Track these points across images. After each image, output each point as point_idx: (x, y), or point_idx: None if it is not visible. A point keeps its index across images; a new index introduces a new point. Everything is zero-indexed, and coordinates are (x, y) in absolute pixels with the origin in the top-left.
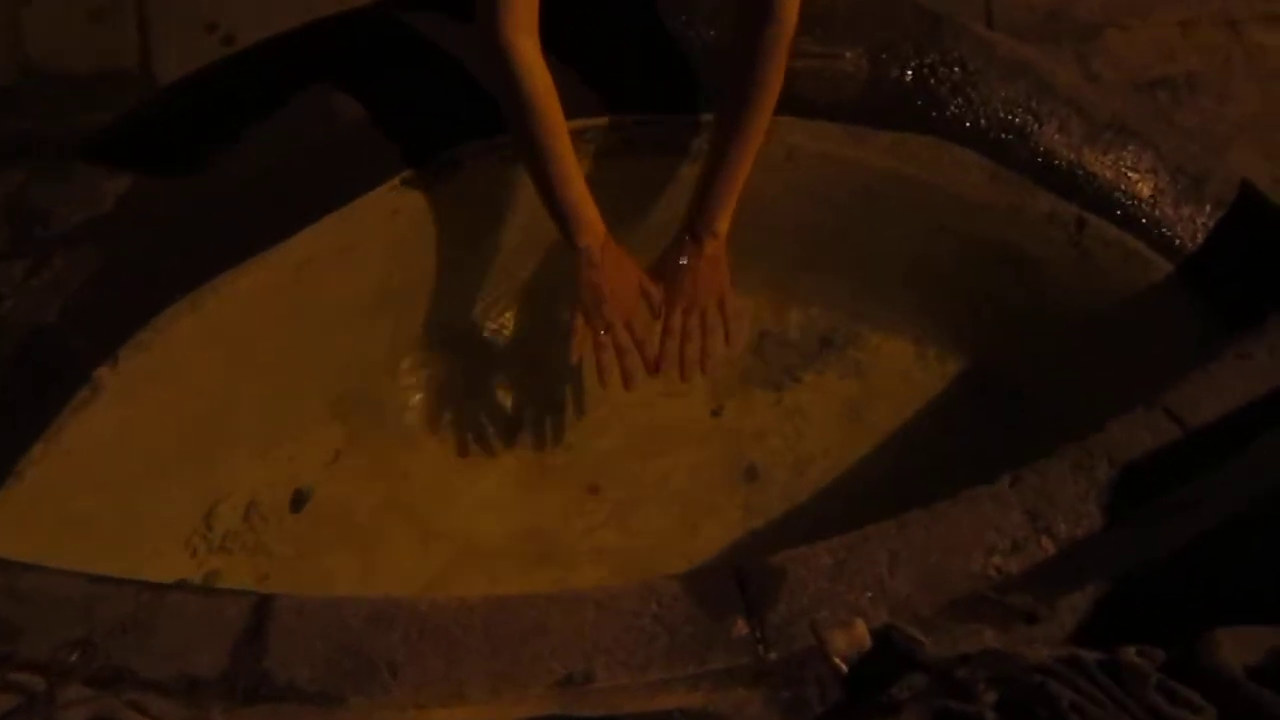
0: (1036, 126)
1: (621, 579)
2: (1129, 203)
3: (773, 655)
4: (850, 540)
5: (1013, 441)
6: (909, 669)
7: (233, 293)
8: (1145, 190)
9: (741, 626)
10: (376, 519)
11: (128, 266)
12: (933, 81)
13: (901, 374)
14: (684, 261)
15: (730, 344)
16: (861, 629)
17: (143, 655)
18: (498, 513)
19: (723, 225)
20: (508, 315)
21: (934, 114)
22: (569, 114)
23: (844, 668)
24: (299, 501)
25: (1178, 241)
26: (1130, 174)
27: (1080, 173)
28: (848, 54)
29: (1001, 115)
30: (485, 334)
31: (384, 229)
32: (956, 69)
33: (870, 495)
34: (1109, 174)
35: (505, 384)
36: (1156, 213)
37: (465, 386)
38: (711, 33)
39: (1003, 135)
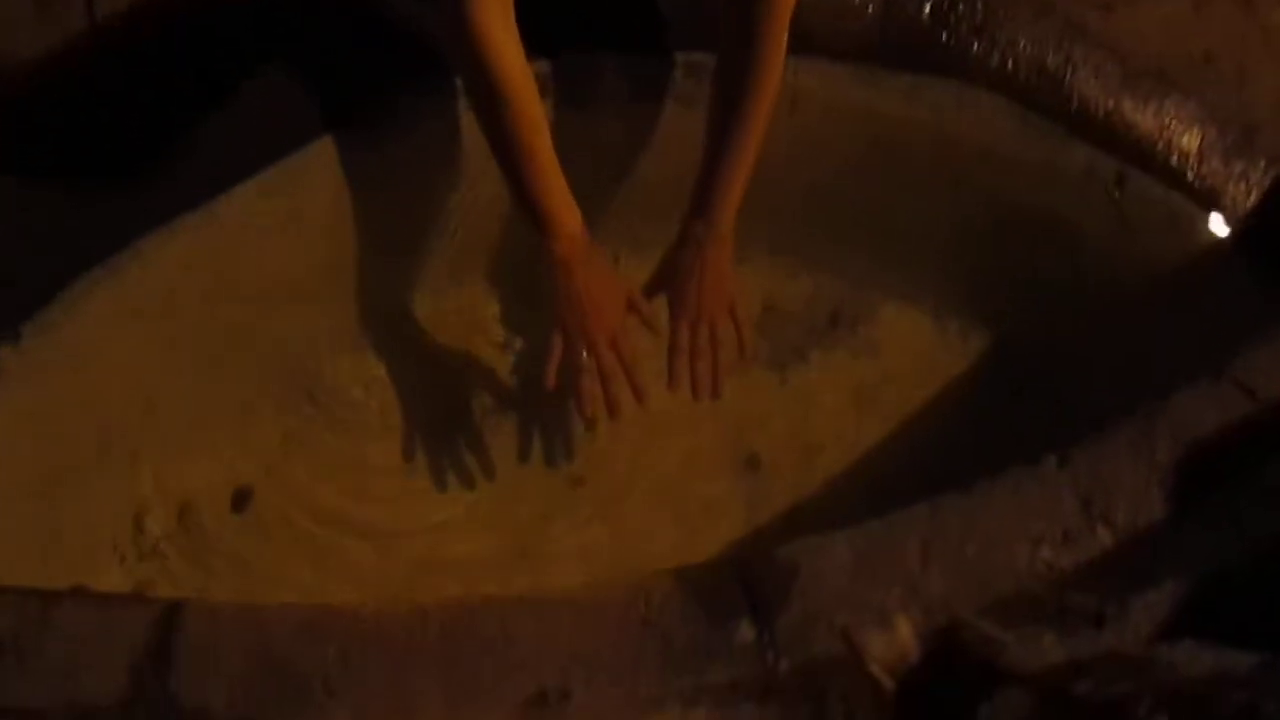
0: (1069, 71)
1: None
2: (1174, 157)
3: (784, 665)
4: (873, 530)
5: (1045, 428)
6: (993, 681)
7: (156, 262)
8: (1191, 143)
9: (747, 631)
10: (330, 520)
11: (31, 231)
12: (953, 18)
13: (919, 352)
14: (687, 269)
15: (745, 356)
16: (905, 630)
17: (23, 680)
18: (467, 510)
19: (727, 225)
20: (473, 290)
21: (955, 54)
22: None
23: (888, 681)
24: (241, 501)
25: (1229, 200)
26: (1174, 125)
27: (1119, 123)
28: None
29: (1031, 57)
30: (447, 312)
31: (327, 190)
32: (979, 4)
33: (886, 487)
34: (1150, 125)
35: (472, 366)
36: (1204, 168)
37: (425, 370)
38: None
39: (1032, 79)
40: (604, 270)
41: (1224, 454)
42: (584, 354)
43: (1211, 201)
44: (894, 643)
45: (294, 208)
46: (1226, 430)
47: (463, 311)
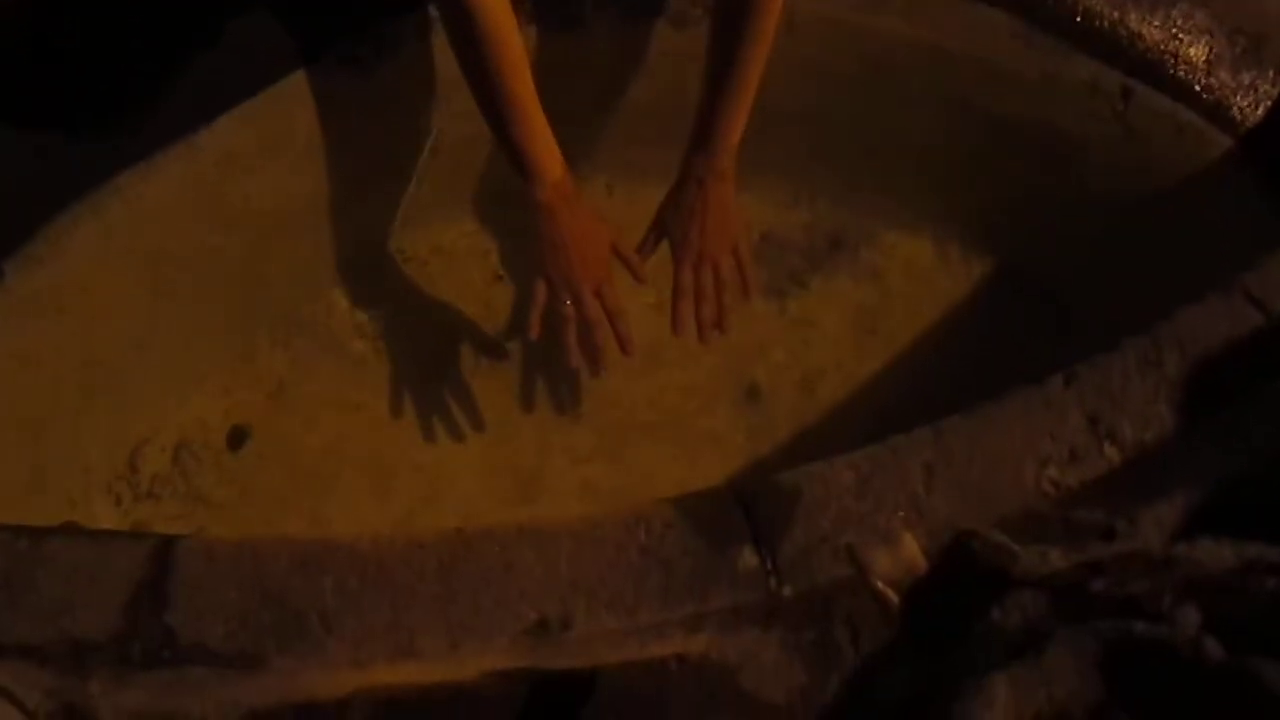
0: None
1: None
2: (1181, 69)
3: (788, 590)
4: (877, 453)
5: (1050, 349)
6: (1004, 588)
7: (139, 196)
8: (1199, 54)
9: (749, 557)
10: (328, 459)
11: (12, 163)
12: None
13: (921, 277)
14: (689, 209)
15: (749, 297)
16: (911, 545)
17: (16, 616)
18: (466, 448)
19: (729, 160)
20: (469, 221)
21: None
22: None
23: (893, 596)
24: (237, 440)
25: (1238, 112)
26: (1181, 35)
27: (1124, 34)
28: None
29: None
30: (443, 244)
31: (311, 116)
32: None
33: (889, 414)
34: (1157, 35)
35: (470, 301)
36: (1213, 80)
37: (420, 305)
38: None
39: None
40: (588, 215)
41: (1234, 368)
42: (568, 303)
43: (1219, 114)
44: (900, 558)
45: (277, 135)
46: (1236, 344)
47: (456, 243)
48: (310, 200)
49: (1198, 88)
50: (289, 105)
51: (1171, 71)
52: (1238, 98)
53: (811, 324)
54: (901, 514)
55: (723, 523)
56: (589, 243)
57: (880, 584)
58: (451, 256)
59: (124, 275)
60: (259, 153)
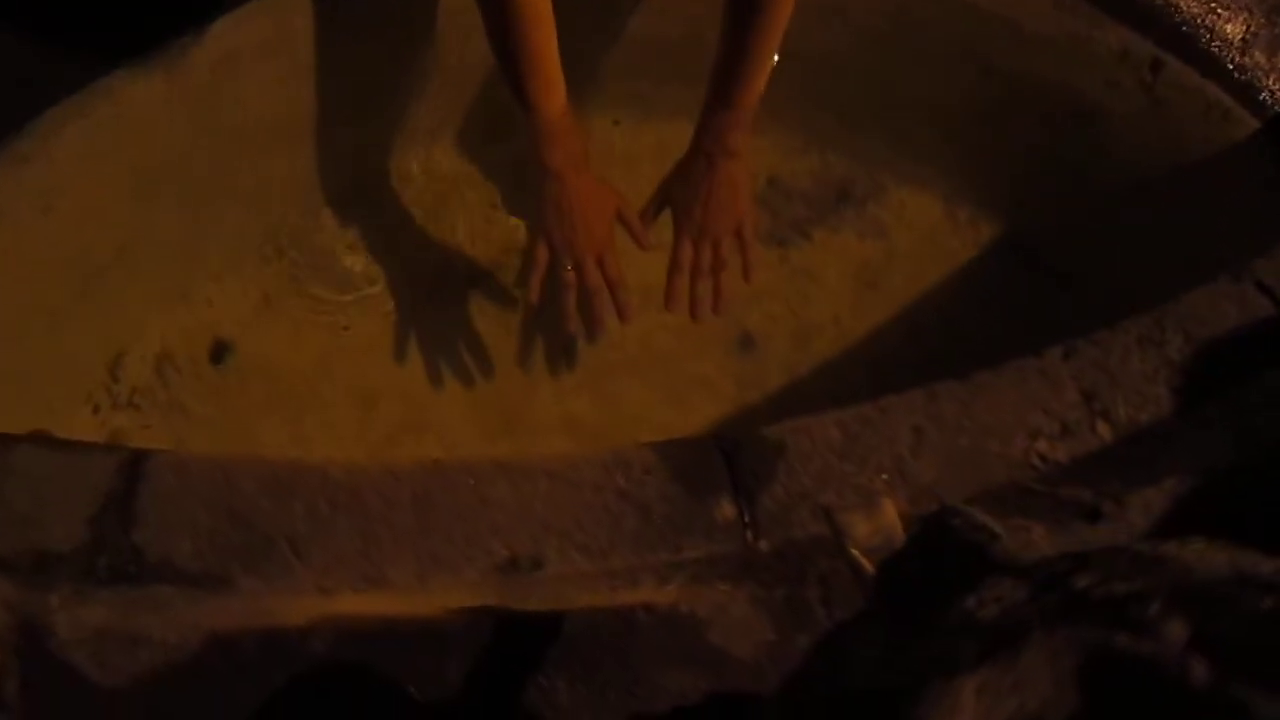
0: None
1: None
2: (1215, 44)
3: (764, 544)
4: (866, 412)
5: (1053, 321)
6: (983, 570)
7: (129, 98)
8: (1235, 31)
9: (727, 508)
10: (311, 377)
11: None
12: None
13: (927, 237)
14: (696, 183)
15: (749, 279)
16: (890, 511)
17: None
18: (452, 375)
19: (741, 137)
20: (471, 148)
21: None
22: None
23: (868, 565)
24: (220, 353)
25: (1268, 95)
26: (1219, 10)
27: (1160, 4)
28: None
29: None
30: (443, 169)
31: (314, 30)
32: None
33: (884, 374)
34: (1194, 8)
35: (466, 228)
36: (1246, 59)
37: (417, 227)
38: None
39: None
40: (595, 181)
41: (1237, 356)
42: (569, 269)
43: (1248, 95)
44: (878, 526)
45: (274, 42)
46: (1242, 331)
47: (456, 169)
48: (306, 114)
49: (1230, 65)
50: (287, 13)
51: (1205, 46)
52: (1270, 80)
53: (811, 276)
54: (885, 476)
55: (703, 472)
56: (593, 209)
57: (856, 552)
58: (451, 182)
59: (110, 178)
60: (254, 58)
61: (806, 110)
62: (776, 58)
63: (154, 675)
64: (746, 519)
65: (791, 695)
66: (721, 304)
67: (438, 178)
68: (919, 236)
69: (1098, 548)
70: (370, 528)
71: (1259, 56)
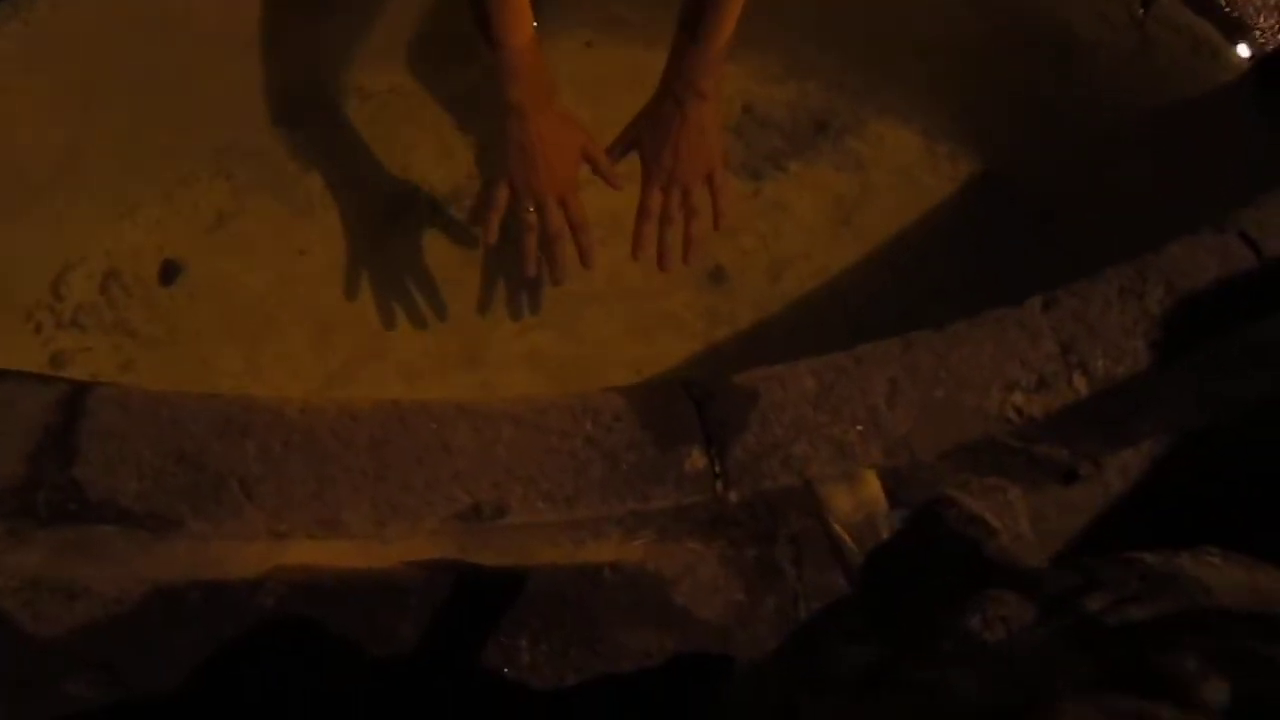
0: None
1: (556, 387)
2: None
3: (733, 496)
4: (840, 361)
5: (1029, 263)
6: (980, 576)
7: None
8: None
9: (697, 458)
10: (265, 301)
11: None
12: None
13: (905, 172)
14: (664, 126)
15: (719, 226)
16: (873, 483)
17: None
18: (413, 304)
19: (712, 78)
20: (435, 63)
21: None
22: None
23: (852, 545)
24: (170, 274)
25: (1259, 34)
26: None
27: None
28: None
29: None
30: (405, 85)
31: None
32: None
33: (857, 312)
34: None
35: (429, 148)
36: None
37: (378, 149)
38: None
39: None
40: (560, 119)
41: (1219, 309)
42: (530, 210)
43: (1240, 33)
44: (861, 499)
45: None
46: (1224, 284)
47: (420, 85)
48: (260, 21)
49: (1221, 1)
50: None
51: None
52: (1261, 18)
53: (785, 209)
54: (859, 428)
55: (673, 420)
56: (558, 148)
57: (838, 527)
58: (413, 98)
59: (51, 82)
60: None
61: (786, 37)
62: None
63: (92, 628)
64: (717, 469)
65: (764, 669)
66: (692, 252)
67: (401, 92)
68: (897, 171)
69: (1106, 560)
70: (326, 470)
71: None
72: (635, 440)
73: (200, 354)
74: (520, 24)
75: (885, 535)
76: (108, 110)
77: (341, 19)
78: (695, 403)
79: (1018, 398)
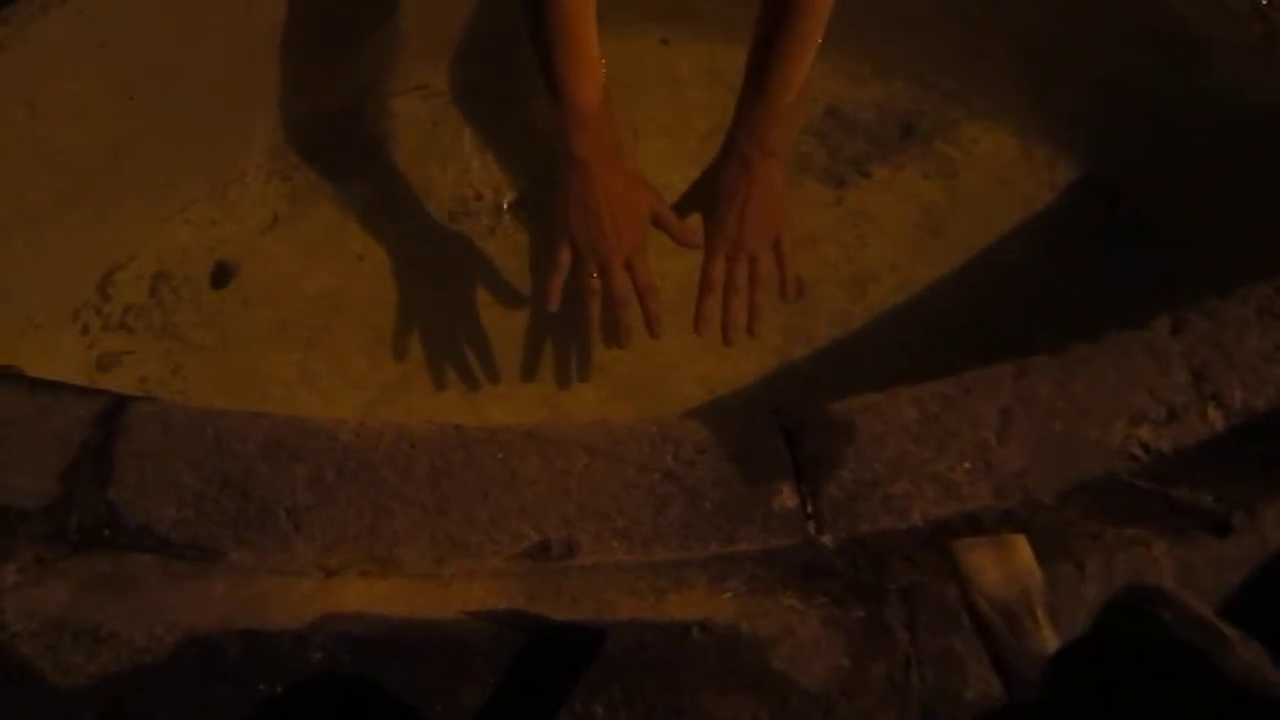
0: None
1: (623, 404)
2: None
3: (827, 539)
4: (946, 389)
5: (1136, 280)
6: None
7: None
8: None
9: (788, 496)
10: (320, 308)
11: None
12: None
13: (999, 178)
14: (730, 190)
15: (788, 296)
16: (1025, 552)
17: None
18: (474, 312)
19: (781, 136)
20: (505, 53)
21: None
22: None
23: (1004, 628)
24: (222, 277)
25: None
26: None
27: None
28: None
29: None
30: (471, 83)
31: None
32: None
33: (944, 329)
34: None
35: (497, 151)
36: None
37: (443, 149)
38: None
39: None
40: (627, 175)
41: None
42: (594, 275)
43: None
44: (1012, 569)
45: None
46: None
47: (487, 84)
48: (321, 13)
49: None
50: None
51: None
52: None
53: (869, 218)
54: (967, 465)
55: (762, 452)
56: (626, 208)
57: (985, 603)
58: (479, 96)
59: (99, 71)
60: None
61: (871, 32)
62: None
63: (118, 679)
64: (809, 509)
65: None
66: (758, 324)
67: (467, 92)
68: (990, 177)
69: None
70: (381, 501)
71: None
72: (720, 475)
73: (251, 361)
74: (591, 75)
75: (1040, 615)
76: (160, 99)
77: (407, 12)
78: (786, 434)
79: (1144, 432)
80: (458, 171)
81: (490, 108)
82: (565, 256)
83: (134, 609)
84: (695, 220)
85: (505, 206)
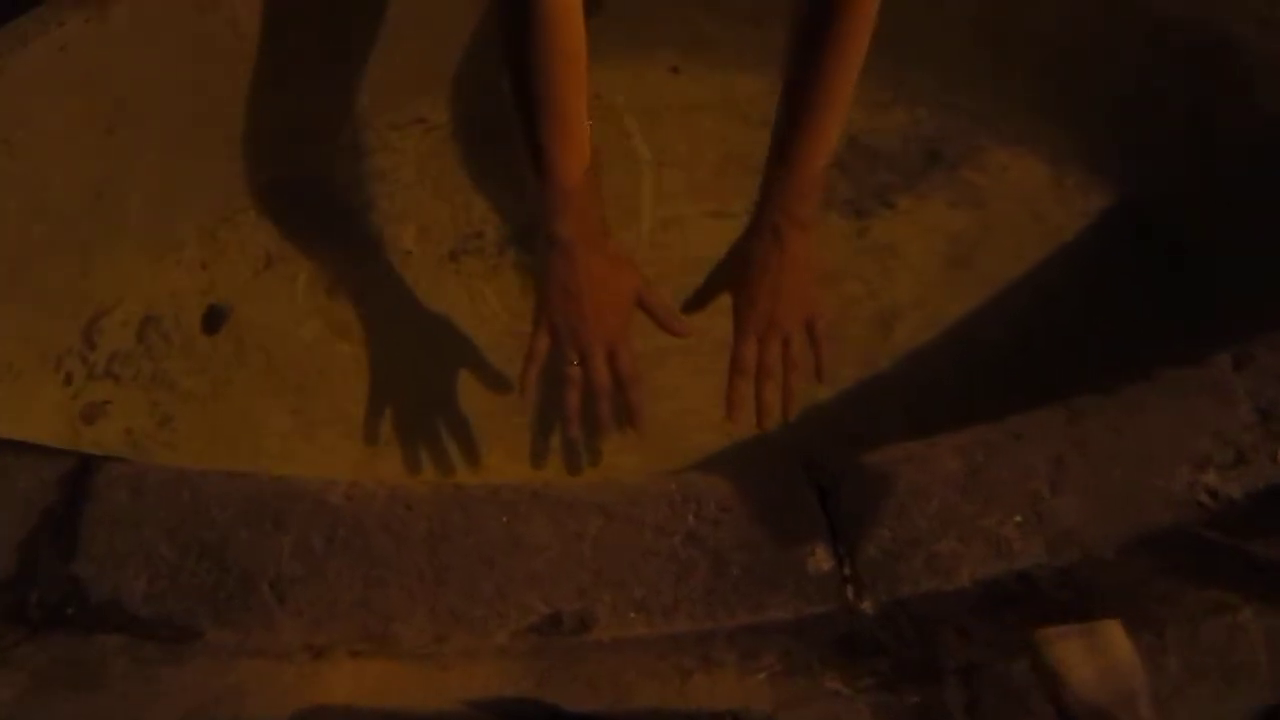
0: None
1: (639, 453)
2: None
3: (867, 606)
4: (991, 436)
5: (1177, 311)
6: None
7: (101, 14)
8: None
9: (822, 558)
10: (316, 353)
11: None
12: None
13: (1029, 207)
14: (761, 266)
15: (823, 380)
16: (1121, 639)
17: None
18: (477, 351)
19: (812, 207)
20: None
21: None
22: None
23: None
24: (214, 321)
25: None
26: None
27: None
28: None
29: None
30: (473, 113)
31: None
32: None
33: (975, 368)
34: None
35: (494, 181)
36: None
37: (444, 181)
38: None
39: None
40: (612, 257)
41: None
42: (574, 363)
43: None
44: (1108, 663)
45: None
46: None
47: (489, 112)
48: (315, 46)
49: None
50: None
51: None
52: None
53: (895, 252)
54: (1018, 518)
55: (792, 510)
56: (609, 292)
57: (1079, 706)
58: (478, 129)
59: (81, 108)
60: None
61: (894, 54)
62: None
63: None
64: (846, 571)
65: None
66: (792, 408)
67: (466, 125)
68: (1020, 206)
69: None
70: (374, 572)
71: None
72: (746, 537)
73: (245, 409)
74: (578, 151)
75: (1145, 716)
76: (143, 138)
77: (403, 44)
78: (819, 489)
79: (1211, 477)
80: (457, 207)
81: (491, 141)
82: (543, 344)
83: (93, 709)
84: (682, 310)
85: (505, 242)
